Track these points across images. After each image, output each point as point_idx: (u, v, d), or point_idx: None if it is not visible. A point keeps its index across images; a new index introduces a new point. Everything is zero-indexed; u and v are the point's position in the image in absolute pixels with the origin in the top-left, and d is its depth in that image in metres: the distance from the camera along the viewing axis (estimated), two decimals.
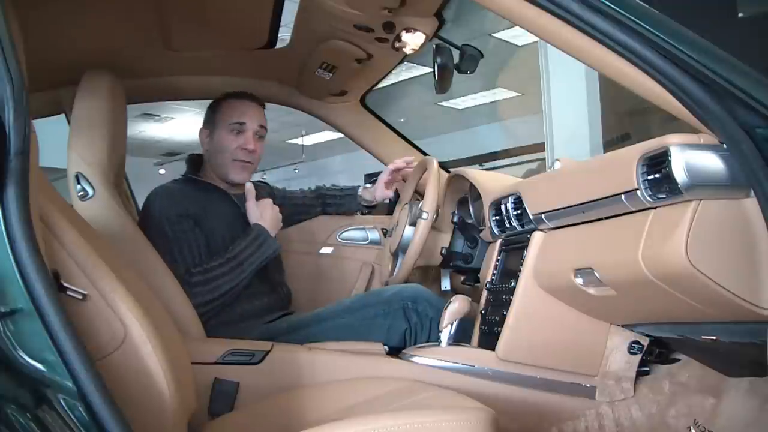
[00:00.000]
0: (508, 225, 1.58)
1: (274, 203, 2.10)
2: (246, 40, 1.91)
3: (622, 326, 1.44)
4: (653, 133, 1.08)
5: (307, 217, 2.23)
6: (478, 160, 8.49)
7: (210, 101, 1.98)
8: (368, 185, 2.21)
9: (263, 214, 1.79)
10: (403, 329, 1.65)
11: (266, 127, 1.92)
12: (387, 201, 2.17)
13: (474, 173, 1.91)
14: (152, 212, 1.72)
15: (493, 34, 6.09)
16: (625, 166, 1.10)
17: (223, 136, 1.86)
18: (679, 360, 1.52)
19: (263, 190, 2.09)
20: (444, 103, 8.38)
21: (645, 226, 1.08)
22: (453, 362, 1.49)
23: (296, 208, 2.20)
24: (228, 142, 1.85)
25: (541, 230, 1.46)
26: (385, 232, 2.23)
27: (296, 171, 10.36)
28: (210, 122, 1.91)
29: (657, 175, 1.05)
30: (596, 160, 1.44)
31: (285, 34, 1.91)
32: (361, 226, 2.26)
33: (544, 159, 4.70)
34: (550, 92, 4.23)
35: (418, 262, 1.83)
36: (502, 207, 1.59)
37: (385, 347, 1.60)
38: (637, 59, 0.93)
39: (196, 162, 1.95)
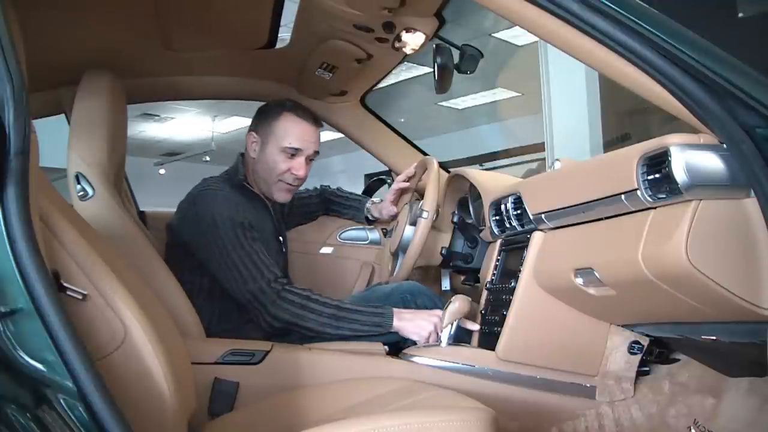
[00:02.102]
0: (508, 225, 1.58)
1: (282, 209, 2.09)
2: (246, 40, 1.91)
3: (622, 326, 1.44)
4: (653, 133, 1.08)
5: (309, 219, 2.23)
6: (478, 160, 8.49)
7: (261, 103, 1.88)
8: (376, 199, 2.21)
9: (413, 321, 1.57)
10: None
11: (319, 151, 1.81)
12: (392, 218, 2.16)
13: (474, 173, 1.91)
14: (217, 214, 1.62)
15: (493, 34, 6.09)
16: (625, 166, 1.10)
17: (274, 154, 1.75)
18: (679, 360, 1.52)
19: None
20: (444, 103, 8.38)
21: (645, 226, 1.08)
22: (453, 362, 1.49)
23: (301, 215, 2.20)
24: (279, 162, 1.75)
25: (541, 230, 1.46)
26: (385, 232, 2.24)
27: None
28: (263, 131, 1.78)
29: (657, 175, 1.05)
30: (596, 160, 1.44)
31: (285, 34, 1.91)
32: (361, 226, 2.26)
33: (544, 159, 4.70)
34: (550, 92, 4.23)
35: (418, 262, 1.83)
36: (502, 207, 1.59)
37: (385, 347, 1.60)
38: (637, 59, 0.93)
39: (243, 164, 1.83)
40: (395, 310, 1.58)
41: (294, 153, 1.76)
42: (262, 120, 1.81)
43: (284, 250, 1.88)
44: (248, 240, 1.60)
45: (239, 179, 1.79)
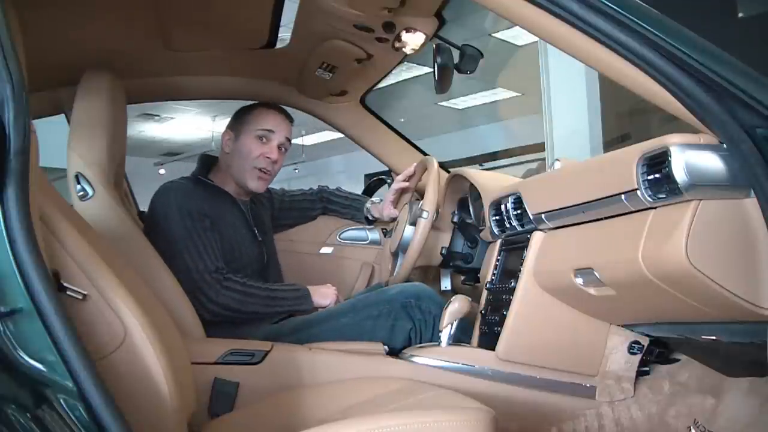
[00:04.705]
0: (508, 225, 1.58)
1: (272, 205, 2.10)
2: (246, 40, 1.91)
3: (622, 326, 1.44)
4: (653, 133, 1.08)
5: (306, 219, 2.23)
6: (478, 160, 8.49)
7: (240, 106, 1.96)
8: (375, 199, 2.21)
9: (319, 289, 1.81)
10: (408, 329, 1.64)
11: (291, 142, 1.91)
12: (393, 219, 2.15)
13: (474, 173, 1.91)
14: (168, 205, 1.70)
15: (493, 34, 6.09)
16: (625, 166, 1.10)
17: (248, 141, 1.84)
18: (679, 360, 1.52)
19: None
20: (444, 103, 8.37)
21: (645, 226, 1.08)
22: (453, 362, 1.49)
23: (296, 212, 2.20)
24: (252, 147, 1.84)
25: (541, 230, 1.46)
26: (385, 232, 2.24)
27: (296, 171, 10.36)
28: (236, 126, 1.89)
29: (657, 175, 1.05)
30: (596, 160, 1.44)
31: (285, 34, 1.91)
32: (361, 226, 2.26)
33: (544, 159, 4.70)
34: (550, 92, 4.22)
35: (418, 262, 1.83)
36: (502, 207, 1.59)
37: (385, 347, 1.60)
38: (638, 59, 0.93)
39: (207, 163, 1.92)
40: (309, 287, 1.78)
41: (266, 136, 1.85)
42: (237, 118, 1.92)
43: (260, 239, 1.89)
44: (196, 229, 1.67)
45: (194, 173, 1.90)
